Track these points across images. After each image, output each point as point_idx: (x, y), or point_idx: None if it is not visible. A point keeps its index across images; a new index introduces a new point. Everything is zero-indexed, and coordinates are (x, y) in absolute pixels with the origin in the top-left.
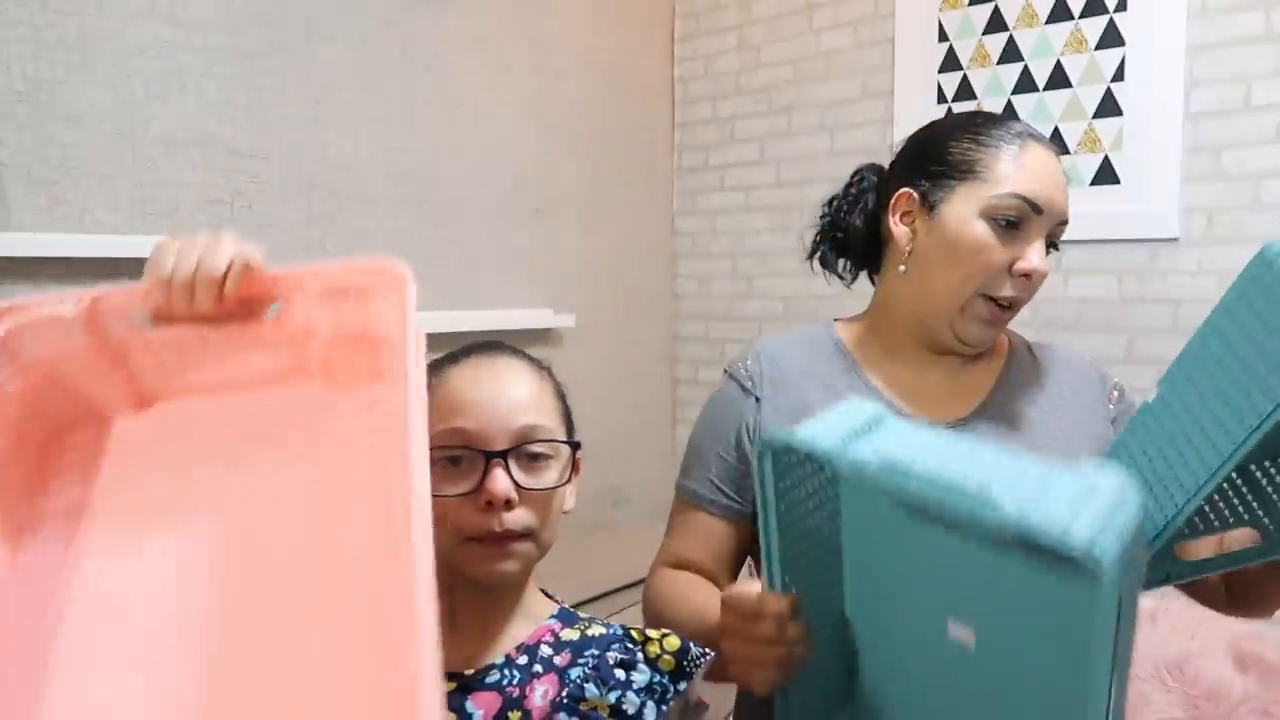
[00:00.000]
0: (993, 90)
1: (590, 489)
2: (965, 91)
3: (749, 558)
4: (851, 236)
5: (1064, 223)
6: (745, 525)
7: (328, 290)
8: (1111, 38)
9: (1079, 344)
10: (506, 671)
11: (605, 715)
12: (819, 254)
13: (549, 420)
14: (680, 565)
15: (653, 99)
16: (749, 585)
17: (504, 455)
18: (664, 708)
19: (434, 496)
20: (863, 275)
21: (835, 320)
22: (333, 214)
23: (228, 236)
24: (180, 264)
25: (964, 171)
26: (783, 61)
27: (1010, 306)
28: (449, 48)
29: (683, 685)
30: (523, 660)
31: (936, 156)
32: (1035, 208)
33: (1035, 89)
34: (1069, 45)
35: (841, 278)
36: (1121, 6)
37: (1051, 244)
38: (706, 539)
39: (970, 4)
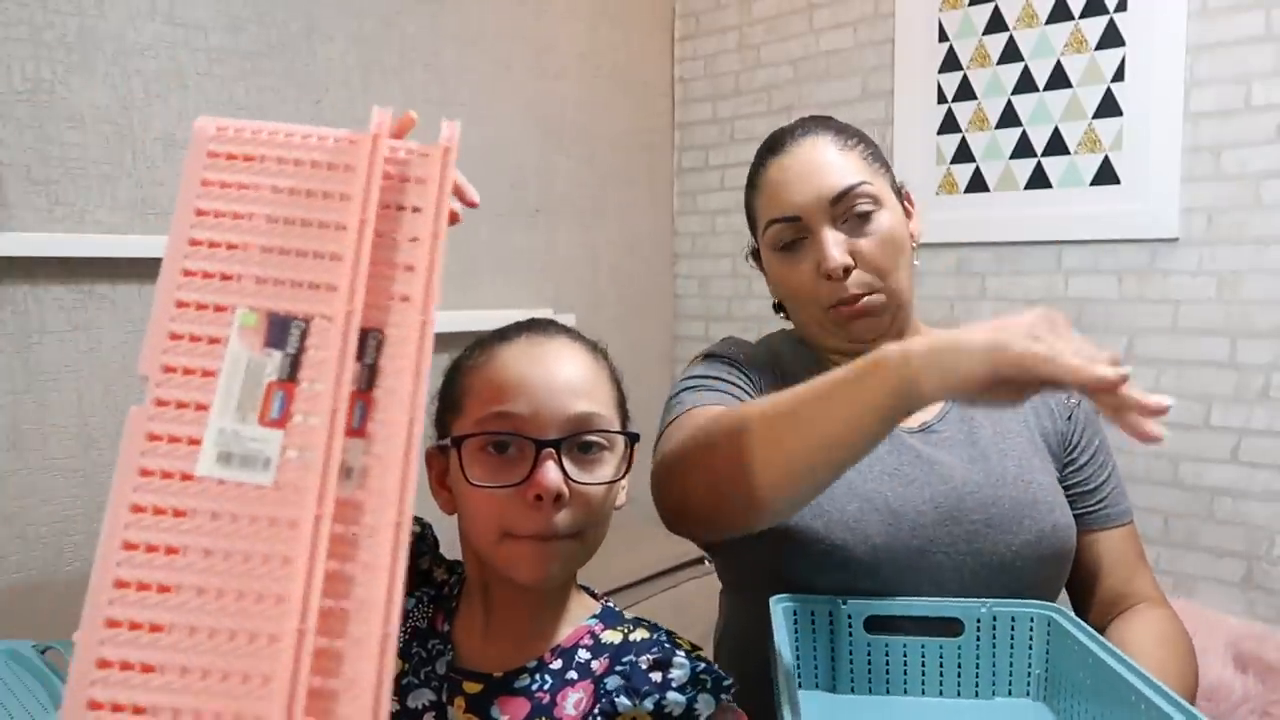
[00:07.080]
0: (993, 90)
1: None
2: (965, 91)
3: (706, 558)
4: None
5: (845, 193)
6: None
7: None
8: (1111, 38)
9: None
10: (538, 676)
11: None
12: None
13: (604, 408)
14: None
15: (653, 99)
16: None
17: (556, 445)
18: (725, 696)
19: (476, 486)
20: None
21: (781, 331)
22: None
23: None
24: None
25: (751, 217)
26: (783, 61)
27: (859, 298)
28: (449, 47)
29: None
30: (556, 665)
31: (745, 205)
32: (790, 219)
33: (1035, 89)
34: (1069, 45)
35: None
36: (1121, 6)
37: (860, 214)
38: (735, 399)
39: (970, 4)
